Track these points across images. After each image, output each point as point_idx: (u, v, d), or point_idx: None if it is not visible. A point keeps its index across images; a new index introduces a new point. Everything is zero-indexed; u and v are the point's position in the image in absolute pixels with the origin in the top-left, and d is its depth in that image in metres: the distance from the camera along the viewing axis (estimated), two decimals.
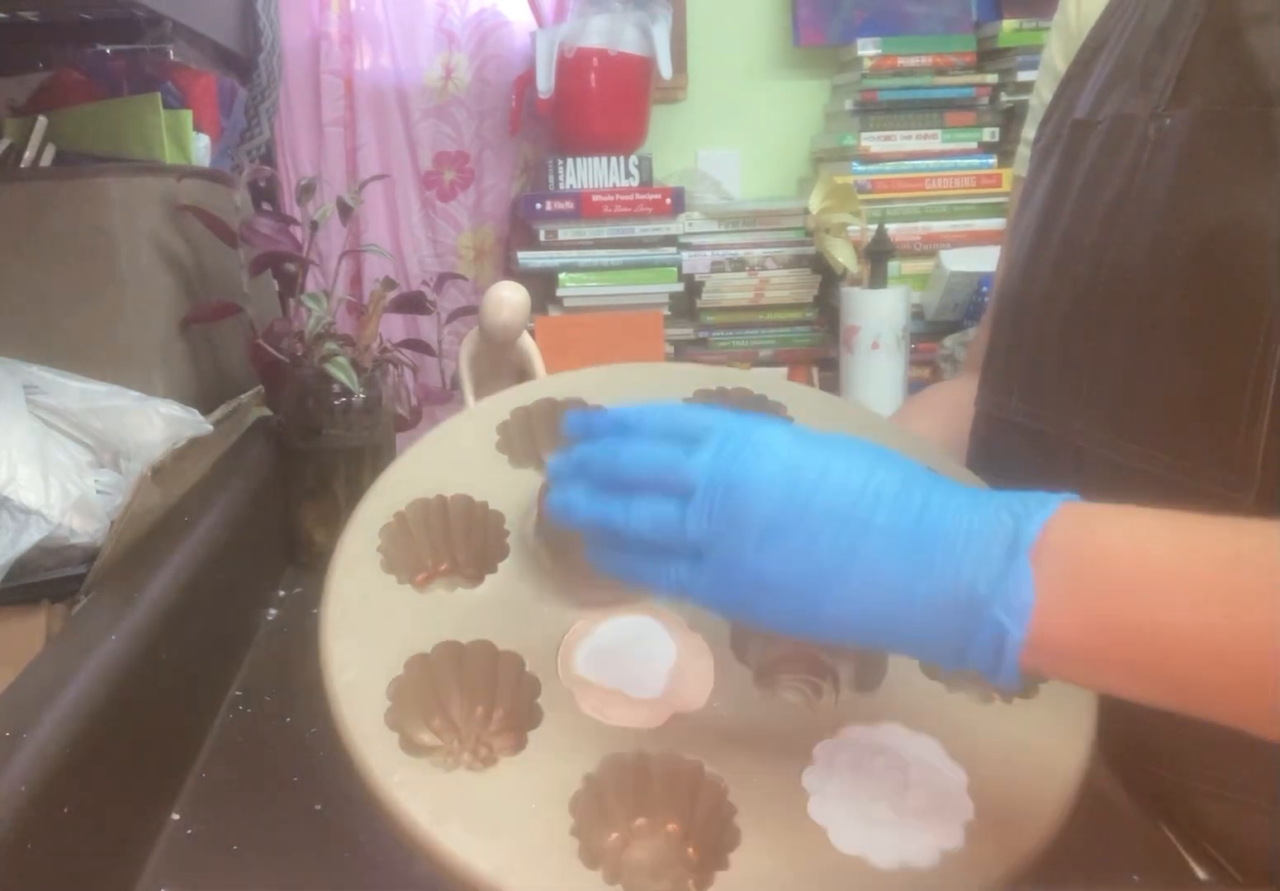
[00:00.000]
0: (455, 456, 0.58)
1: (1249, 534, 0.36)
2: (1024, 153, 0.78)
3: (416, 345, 1.04)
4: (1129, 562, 0.36)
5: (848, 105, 1.64)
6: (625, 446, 0.42)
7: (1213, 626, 0.34)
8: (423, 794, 0.42)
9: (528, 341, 0.90)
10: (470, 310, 0.97)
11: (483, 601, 0.50)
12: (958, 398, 0.74)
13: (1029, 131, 0.77)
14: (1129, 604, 0.36)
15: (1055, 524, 0.37)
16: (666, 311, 1.63)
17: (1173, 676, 0.36)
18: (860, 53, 1.62)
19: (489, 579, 0.52)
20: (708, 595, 0.40)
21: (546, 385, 0.64)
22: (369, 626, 0.48)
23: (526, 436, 0.61)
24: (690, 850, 0.44)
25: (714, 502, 0.39)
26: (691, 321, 1.68)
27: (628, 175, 1.63)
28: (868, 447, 0.41)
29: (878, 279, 1.49)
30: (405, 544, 0.54)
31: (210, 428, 0.79)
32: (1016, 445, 0.63)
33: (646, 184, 1.63)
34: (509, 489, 0.56)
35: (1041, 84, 0.75)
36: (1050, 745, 0.47)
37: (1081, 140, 0.60)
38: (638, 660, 0.49)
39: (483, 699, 0.49)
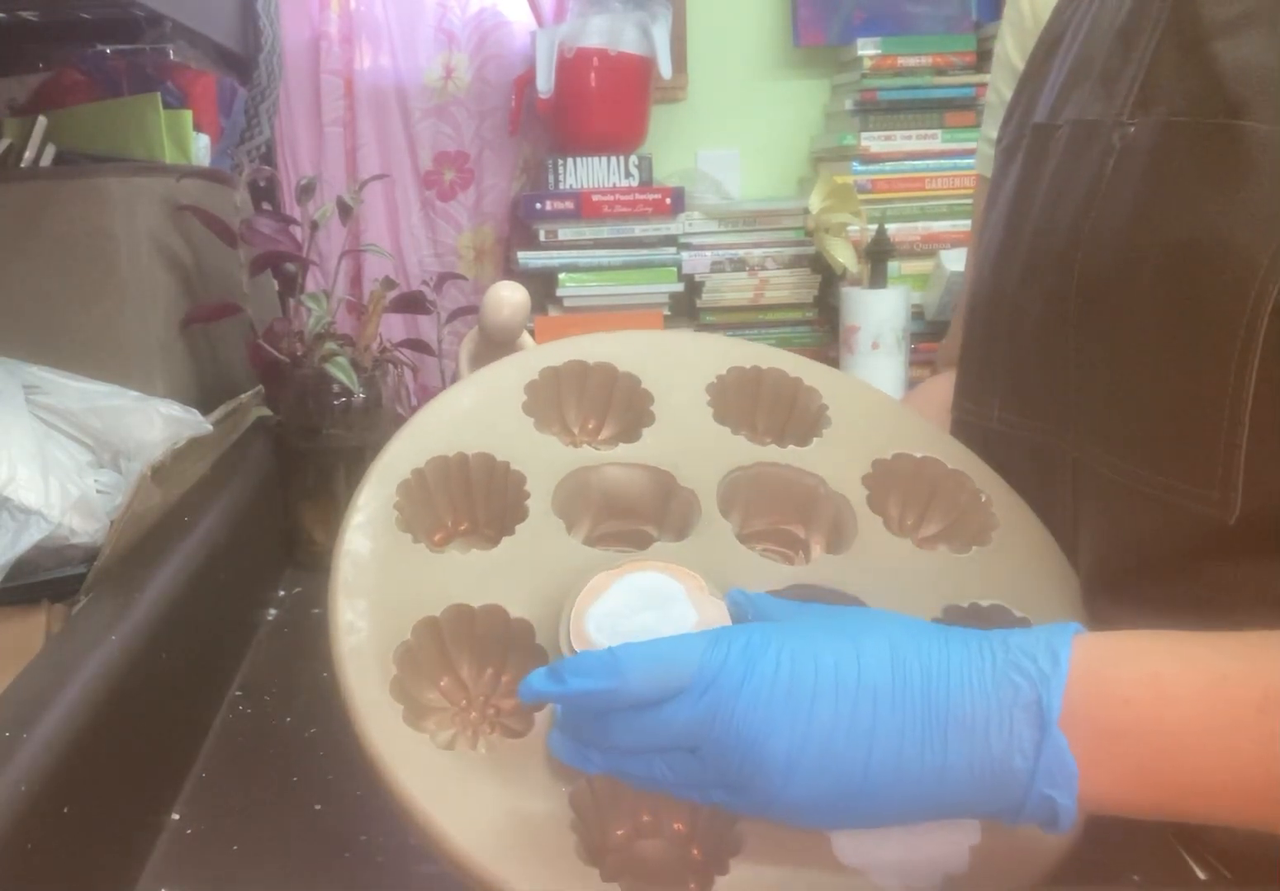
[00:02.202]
0: (479, 415, 0.56)
1: (1274, 664, 0.36)
2: (985, 150, 0.77)
3: (416, 345, 1.04)
4: (1156, 720, 0.36)
5: (848, 105, 1.64)
6: (615, 724, 0.39)
7: (1253, 777, 0.35)
8: (422, 772, 0.41)
9: (528, 342, 0.90)
10: (470, 310, 0.97)
11: (498, 564, 0.49)
12: (949, 395, 0.74)
13: (989, 129, 0.76)
14: (1165, 764, 0.36)
15: (1074, 683, 0.37)
16: (666, 311, 1.63)
17: (1218, 817, 0.37)
18: (860, 53, 1.62)
19: (505, 541, 0.50)
20: (747, 812, 0.41)
21: (580, 346, 0.61)
22: (379, 587, 0.47)
23: (553, 399, 0.59)
24: (695, 851, 0.44)
25: (722, 756, 0.38)
26: (691, 321, 1.68)
27: (628, 175, 1.63)
28: (841, 627, 0.40)
29: (878, 279, 1.49)
30: (423, 502, 0.53)
31: (210, 428, 0.79)
32: (1008, 455, 0.62)
33: (646, 184, 1.63)
34: (531, 453, 0.54)
35: (998, 79, 0.74)
36: None
37: (1043, 144, 0.60)
38: (654, 626, 0.47)
39: (493, 661, 0.48)
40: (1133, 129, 0.53)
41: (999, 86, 0.74)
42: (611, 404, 0.61)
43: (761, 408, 0.63)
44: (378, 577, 0.48)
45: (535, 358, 0.60)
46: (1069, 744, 0.36)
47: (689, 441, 0.57)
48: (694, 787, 0.40)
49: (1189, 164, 0.49)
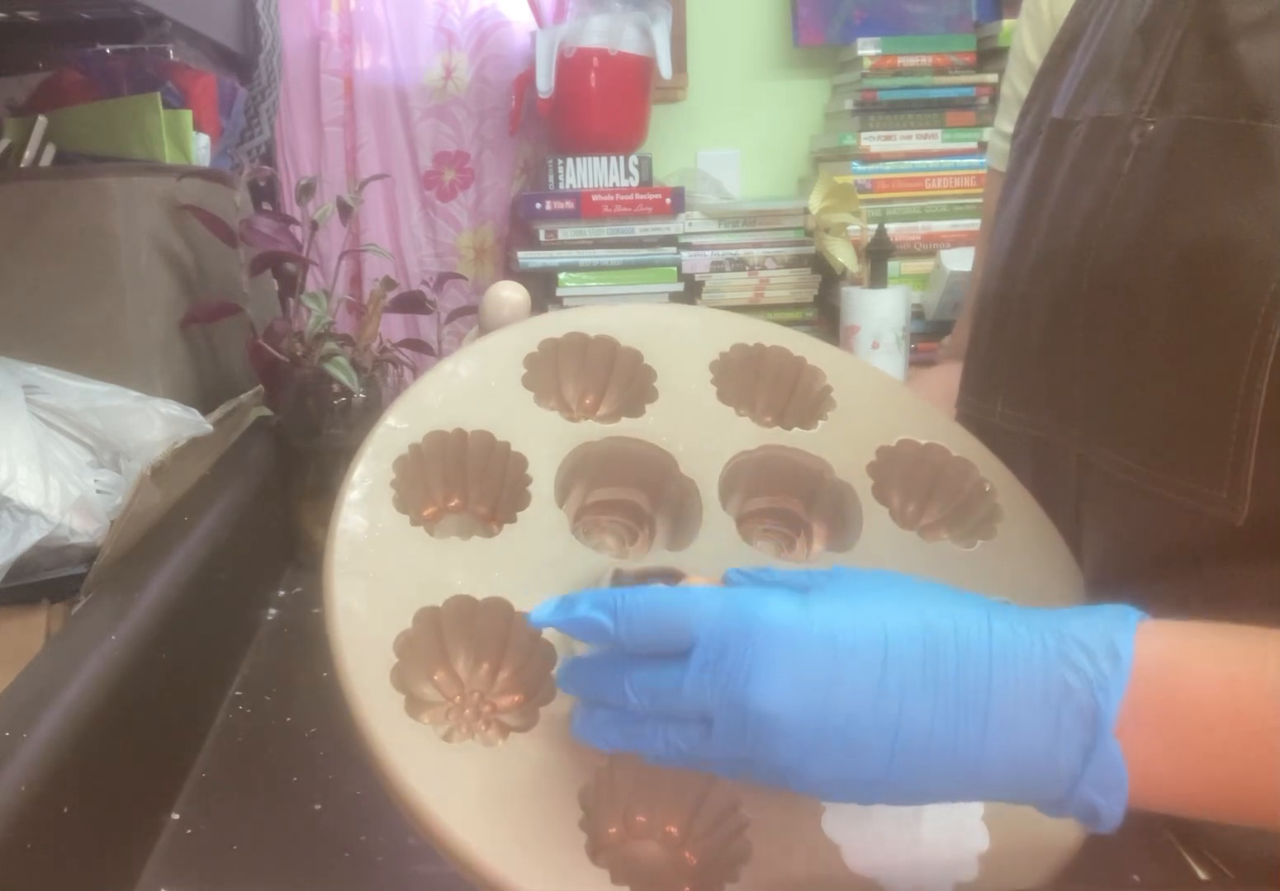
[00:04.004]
0: (478, 388, 0.54)
1: None
2: (997, 144, 0.77)
3: (416, 345, 1.04)
4: (1227, 724, 0.34)
5: (848, 105, 1.64)
6: (626, 678, 0.37)
7: None
8: (426, 766, 0.40)
9: None
10: (470, 310, 0.97)
11: (502, 553, 0.48)
12: (951, 385, 0.73)
13: (1002, 123, 0.76)
14: (1232, 769, 0.34)
15: (1138, 680, 0.34)
16: None
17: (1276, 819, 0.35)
18: (860, 52, 1.62)
19: (508, 529, 0.49)
20: (767, 784, 0.38)
21: (579, 318, 0.60)
22: (378, 571, 0.46)
23: (551, 372, 0.58)
24: (686, 855, 0.43)
25: (734, 729, 0.35)
26: None
27: (628, 175, 1.63)
28: (869, 598, 0.37)
29: (878, 279, 1.49)
30: (418, 477, 0.52)
31: (210, 428, 0.79)
32: (1010, 451, 0.62)
33: (646, 184, 1.63)
34: (533, 431, 0.53)
35: (1013, 73, 0.74)
36: None
37: (1060, 140, 0.59)
38: None
39: (490, 656, 0.47)
40: (1152, 127, 0.52)
41: (1014, 81, 0.73)
42: (611, 379, 0.59)
43: (763, 386, 0.61)
44: (375, 560, 0.46)
45: (535, 328, 0.58)
46: (1126, 745, 0.33)
47: (692, 422, 0.56)
48: (710, 762, 0.37)
49: (1208, 164, 0.49)
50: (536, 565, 0.48)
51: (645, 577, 0.48)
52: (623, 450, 0.54)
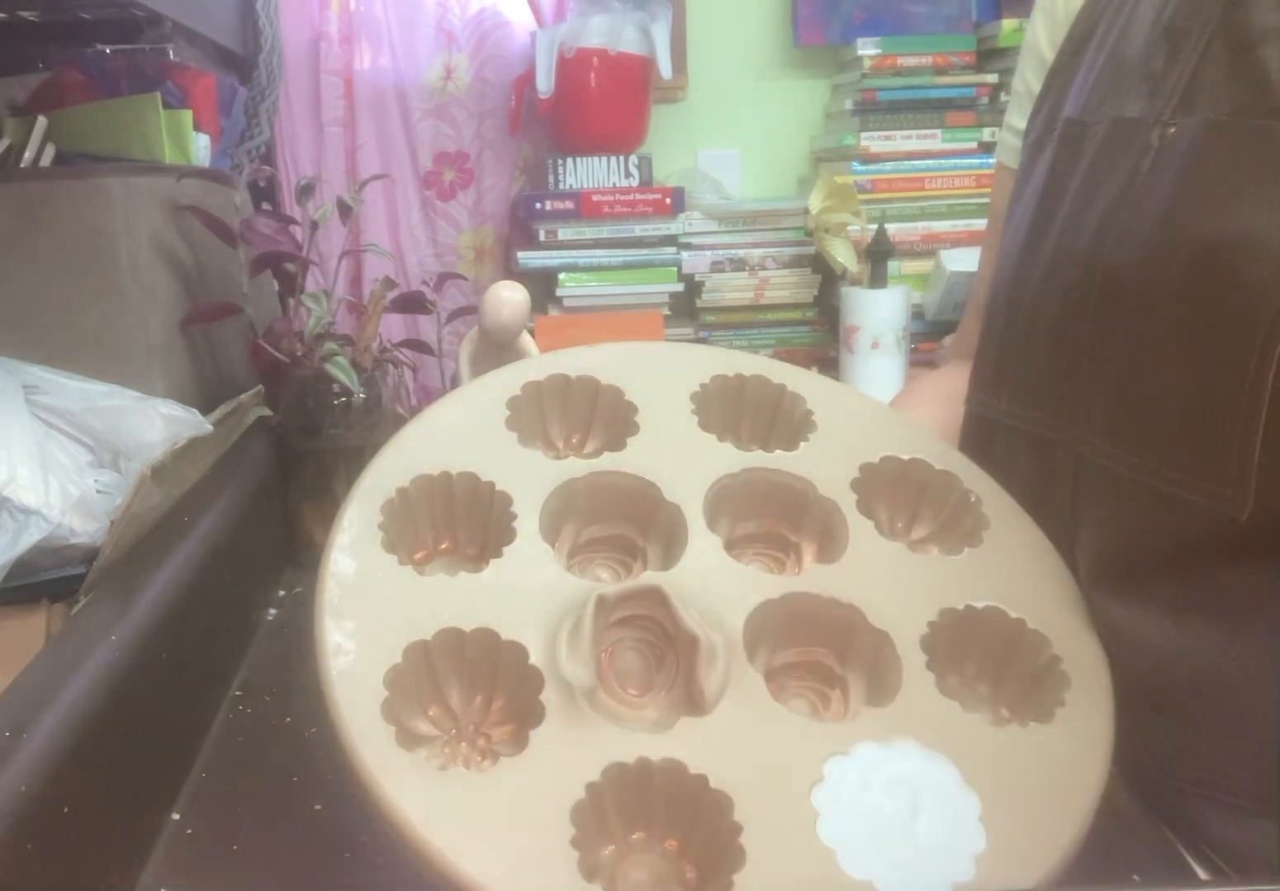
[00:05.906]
0: (462, 432, 0.56)
1: None
2: (1008, 139, 0.76)
3: (416, 345, 1.04)
4: None
5: (847, 105, 1.64)
6: None
7: None
8: (417, 794, 0.41)
9: (528, 341, 0.90)
10: (470, 310, 0.98)
11: (487, 587, 0.49)
12: (951, 388, 0.74)
13: (1013, 118, 0.75)
14: None
15: None
16: (666, 311, 1.63)
17: None
18: (860, 52, 1.62)
19: (494, 563, 0.50)
20: None
21: (560, 360, 0.61)
22: (367, 609, 0.47)
23: (536, 414, 0.59)
24: (688, 868, 0.43)
25: None
26: (691, 321, 1.68)
27: (628, 175, 1.63)
28: None
29: (878, 279, 1.49)
30: (406, 521, 0.53)
31: (210, 428, 0.79)
32: (1011, 448, 0.62)
33: (646, 184, 1.63)
34: (516, 469, 0.54)
35: (1025, 68, 0.73)
36: (1066, 774, 0.46)
37: (1078, 140, 0.59)
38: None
39: (483, 688, 0.47)
40: (1173, 129, 0.52)
41: (1027, 76, 0.73)
42: (595, 416, 0.60)
43: (746, 415, 0.62)
44: (365, 600, 0.47)
45: (517, 373, 0.60)
46: None
47: (674, 450, 0.57)
48: None
49: (1226, 164, 0.49)
50: (522, 595, 0.49)
51: (627, 597, 0.48)
52: (607, 485, 0.55)
